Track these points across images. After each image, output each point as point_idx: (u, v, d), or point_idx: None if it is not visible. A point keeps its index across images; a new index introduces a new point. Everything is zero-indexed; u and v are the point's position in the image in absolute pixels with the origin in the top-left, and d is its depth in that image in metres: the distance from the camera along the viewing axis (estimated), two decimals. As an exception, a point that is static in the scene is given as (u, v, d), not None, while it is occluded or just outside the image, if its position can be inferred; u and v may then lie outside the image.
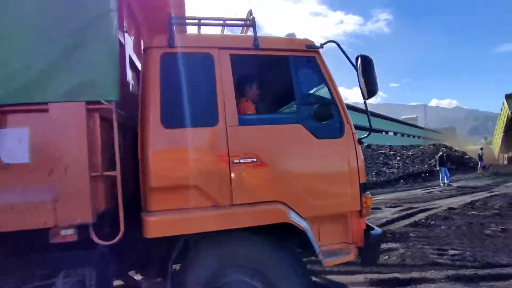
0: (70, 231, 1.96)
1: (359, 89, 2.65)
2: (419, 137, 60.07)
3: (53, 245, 1.96)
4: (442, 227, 6.43)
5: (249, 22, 2.74)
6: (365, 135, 2.81)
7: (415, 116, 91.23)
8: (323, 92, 2.85)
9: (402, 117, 71.56)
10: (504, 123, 28.10)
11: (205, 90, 2.48)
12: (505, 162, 30.79)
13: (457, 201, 9.66)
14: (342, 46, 2.69)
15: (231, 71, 2.50)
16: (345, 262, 2.79)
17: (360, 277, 4.06)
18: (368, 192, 2.73)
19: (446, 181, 14.82)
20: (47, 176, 1.91)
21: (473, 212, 7.91)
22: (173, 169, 2.30)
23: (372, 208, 4.19)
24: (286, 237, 2.47)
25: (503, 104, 27.58)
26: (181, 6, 2.93)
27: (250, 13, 2.75)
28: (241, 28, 3.05)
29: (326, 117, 2.67)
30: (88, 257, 2.12)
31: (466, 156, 26.91)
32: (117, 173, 2.04)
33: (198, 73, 2.49)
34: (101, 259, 2.12)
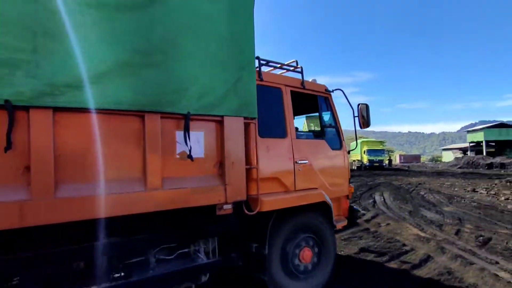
0: (229, 206, 2.75)
1: (358, 121, 4.27)
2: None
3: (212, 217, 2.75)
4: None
5: (298, 68, 3.97)
6: (353, 149, 5.15)
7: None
8: (330, 120, 4.33)
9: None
10: None
11: (278, 113, 3.59)
12: None
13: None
14: (345, 93, 4.39)
15: (291, 101, 3.70)
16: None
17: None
18: (351, 184, 4.51)
19: None
20: (213, 167, 2.69)
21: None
22: (267, 166, 3.25)
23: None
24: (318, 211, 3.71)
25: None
26: None
27: (297, 63, 3.99)
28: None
29: (334, 137, 4.25)
30: (238, 225, 3.02)
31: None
32: (257, 166, 2.99)
33: (274, 100, 3.58)
34: (243, 227, 3.12)
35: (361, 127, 4.29)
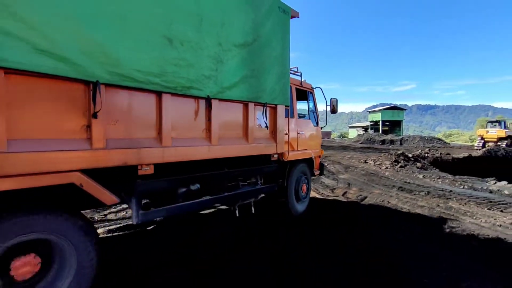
0: (276, 155, 4.84)
1: (330, 108, 6.34)
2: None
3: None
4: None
5: (298, 72, 5.91)
6: (323, 126, 6.76)
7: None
8: (312, 107, 6.40)
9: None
10: None
11: (291, 103, 5.34)
12: None
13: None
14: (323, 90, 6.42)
15: (295, 94, 5.71)
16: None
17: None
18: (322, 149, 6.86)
19: None
20: (271, 134, 4.58)
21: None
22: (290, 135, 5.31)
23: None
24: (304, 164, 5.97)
25: None
26: None
27: (297, 68, 5.89)
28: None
29: (314, 117, 6.36)
30: (277, 167, 4.96)
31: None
32: (289, 134, 5.22)
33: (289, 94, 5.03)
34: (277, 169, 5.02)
35: (331, 113, 6.41)
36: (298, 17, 4.86)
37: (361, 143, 34.33)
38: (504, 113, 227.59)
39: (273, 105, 4.51)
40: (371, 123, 61.52)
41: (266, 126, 4.38)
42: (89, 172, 2.49)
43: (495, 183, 10.81)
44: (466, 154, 19.84)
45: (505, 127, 27.61)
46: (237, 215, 4.57)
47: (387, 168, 13.27)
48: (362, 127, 67.92)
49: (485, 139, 27.55)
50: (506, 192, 8.99)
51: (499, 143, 25.73)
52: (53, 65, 2.19)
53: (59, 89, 2.31)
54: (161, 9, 2.86)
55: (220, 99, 3.63)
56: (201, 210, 4.43)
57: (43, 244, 2.40)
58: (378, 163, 14.84)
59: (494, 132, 27.16)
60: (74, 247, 2.50)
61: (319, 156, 6.61)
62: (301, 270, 3.58)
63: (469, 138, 57.63)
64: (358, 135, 45.62)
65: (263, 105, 4.27)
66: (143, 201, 3.11)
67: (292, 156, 5.30)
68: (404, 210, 6.66)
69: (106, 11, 2.46)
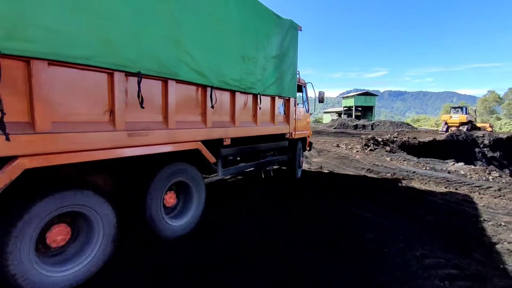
0: (288, 134, 6.50)
1: (318, 99, 8.21)
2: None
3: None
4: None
5: (297, 71, 6.71)
6: (312, 113, 8.24)
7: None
8: (305, 97, 7.91)
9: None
10: None
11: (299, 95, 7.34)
12: None
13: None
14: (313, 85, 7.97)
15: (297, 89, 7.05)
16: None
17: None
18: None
19: None
20: (285, 118, 6.34)
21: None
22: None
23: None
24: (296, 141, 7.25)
25: None
26: None
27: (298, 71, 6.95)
28: None
29: (305, 106, 7.81)
30: (288, 144, 6.71)
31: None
32: (295, 118, 6.78)
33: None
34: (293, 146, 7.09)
35: (319, 102, 8.00)
36: (301, 30, 6.32)
37: (334, 128, 35.37)
38: (467, 100, 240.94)
39: (288, 98, 6.27)
40: (345, 108, 63.08)
41: (284, 113, 6.24)
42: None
43: (453, 164, 11.72)
44: (431, 138, 21.11)
45: (466, 113, 29.44)
46: (263, 177, 6.75)
47: (358, 151, 13.92)
48: (336, 112, 69.51)
49: (449, 124, 29.24)
50: (462, 172, 9.83)
51: (460, 128, 27.45)
52: (196, 77, 3.74)
53: (193, 91, 3.86)
54: (242, 41, 4.56)
55: (263, 95, 5.23)
56: (249, 170, 5.86)
57: (76, 215, 2.76)
58: (349, 147, 15.50)
59: (457, 118, 28.87)
60: (100, 217, 2.87)
61: (309, 136, 8.33)
62: (305, 201, 5.05)
63: (435, 123, 60.93)
64: (332, 120, 46.74)
65: (283, 98, 6.09)
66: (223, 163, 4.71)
67: (297, 135, 7.02)
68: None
69: (222, 47, 4.13)
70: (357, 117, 52.85)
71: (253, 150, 5.53)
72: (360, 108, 59.05)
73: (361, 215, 4.99)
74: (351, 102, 59.85)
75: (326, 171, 9.31)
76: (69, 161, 2.48)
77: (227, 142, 4.44)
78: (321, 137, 22.31)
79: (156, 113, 3.35)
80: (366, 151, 14.20)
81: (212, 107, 4.00)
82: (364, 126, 36.66)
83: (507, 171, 19.36)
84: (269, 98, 5.55)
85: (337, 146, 16.23)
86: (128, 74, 2.94)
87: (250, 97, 5.00)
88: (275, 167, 6.98)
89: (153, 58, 3.15)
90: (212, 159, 4.12)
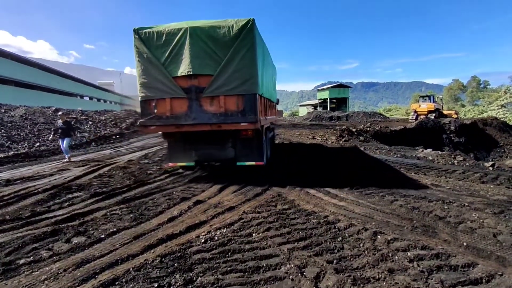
0: (267, 125, 8.85)
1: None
2: (116, 103, 63.46)
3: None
4: (120, 174, 7.92)
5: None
6: (276, 102, 12.15)
7: (111, 81, 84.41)
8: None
9: (98, 82, 67.41)
10: None
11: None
12: None
13: (137, 155, 11.35)
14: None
15: None
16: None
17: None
18: None
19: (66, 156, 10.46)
20: (274, 111, 11.53)
21: (145, 161, 9.86)
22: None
23: (60, 170, 8.72)
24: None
25: None
26: None
27: None
28: None
29: (277, 102, 12.00)
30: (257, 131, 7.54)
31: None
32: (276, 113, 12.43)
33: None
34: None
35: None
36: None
37: (310, 121, 35.90)
38: (435, 89, 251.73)
39: (275, 102, 11.06)
40: (320, 101, 64.20)
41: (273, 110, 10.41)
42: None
43: (423, 151, 12.26)
44: (402, 127, 21.93)
45: (434, 101, 30.80)
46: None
47: (332, 142, 14.23)
48: (312, 105, 70.62)
49: (418, 112, 30.50)
50: (430, 158, 10.30)
51: (429, 116, 28.73)
52: (263, 94, 7.40)
53: (268, 102, 8.60)
54: (274, 77, 10.64)
55: (272, 102, 9.80)
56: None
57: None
58: (324, 138, 15.82)
59: (425, 106, 30.16)
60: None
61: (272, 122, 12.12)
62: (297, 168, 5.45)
63: (405, 112, 63.34)
64: (308, 112, 47.45)
65: (271, 101, 9.63)
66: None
67: (274, 122, 10.62)
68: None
69: (273, 85, 10.37)
70: (332, 109, 53.93)
71: (271, 130, 10.91)
72: (334, 100, 60.27)
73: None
74: (326, 95, 60.91)
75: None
76: (267, 124, 8.10)
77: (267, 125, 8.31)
78: (297, 130, 22.60)
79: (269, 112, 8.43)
80: (341, 141, 14.54)
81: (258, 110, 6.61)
82: (339, 118, 37.52)
83: (471, 155, 20.54)
84: (272, 103, 10.17)
85: (313, 138, 16.51)
86: (264, 98, 7.52)
87: (271, 102, 9.57)
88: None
89: (269, 92, 8.58)
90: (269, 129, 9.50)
